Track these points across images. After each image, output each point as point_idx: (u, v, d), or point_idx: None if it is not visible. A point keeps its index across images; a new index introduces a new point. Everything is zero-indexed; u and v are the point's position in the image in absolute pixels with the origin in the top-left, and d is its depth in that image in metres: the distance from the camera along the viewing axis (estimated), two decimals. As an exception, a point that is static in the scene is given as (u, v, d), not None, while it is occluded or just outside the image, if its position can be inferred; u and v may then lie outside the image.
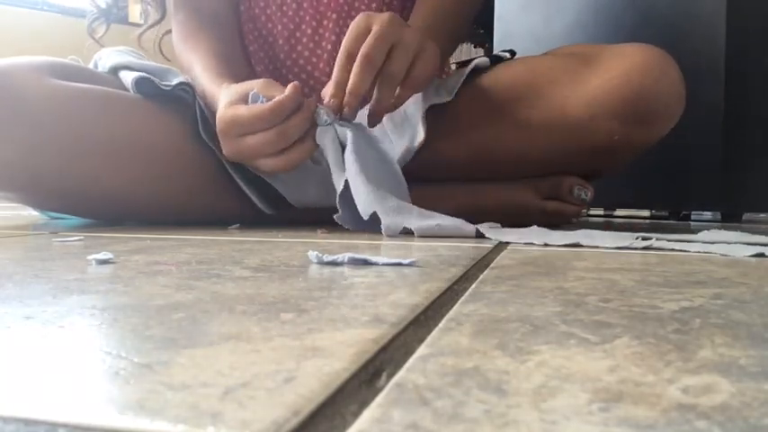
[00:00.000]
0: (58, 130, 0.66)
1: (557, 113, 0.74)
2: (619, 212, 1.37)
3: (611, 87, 0.71)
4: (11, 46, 2.18)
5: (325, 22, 0.87)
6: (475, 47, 1.86)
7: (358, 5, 0.87)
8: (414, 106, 0.79)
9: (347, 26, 0.87)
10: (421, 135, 0.75)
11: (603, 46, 0.78)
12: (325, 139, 0.67)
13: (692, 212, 1.20)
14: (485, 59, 0.82)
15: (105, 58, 0.83)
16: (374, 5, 0.87)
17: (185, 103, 0.74)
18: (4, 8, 2.45)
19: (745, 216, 1.20)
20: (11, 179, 0.69)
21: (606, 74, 0.72)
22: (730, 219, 1.14)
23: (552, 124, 0.74)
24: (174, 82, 0.74)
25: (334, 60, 0.87)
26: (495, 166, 0.79)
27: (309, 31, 0.88)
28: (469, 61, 0.82)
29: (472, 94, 0.78)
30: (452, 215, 0.80)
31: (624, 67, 0.72)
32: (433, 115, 0.77)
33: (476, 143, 0.78)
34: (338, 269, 0.38)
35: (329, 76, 0.88)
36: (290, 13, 0.88)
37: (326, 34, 0.87)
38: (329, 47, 0.87)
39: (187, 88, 0.74)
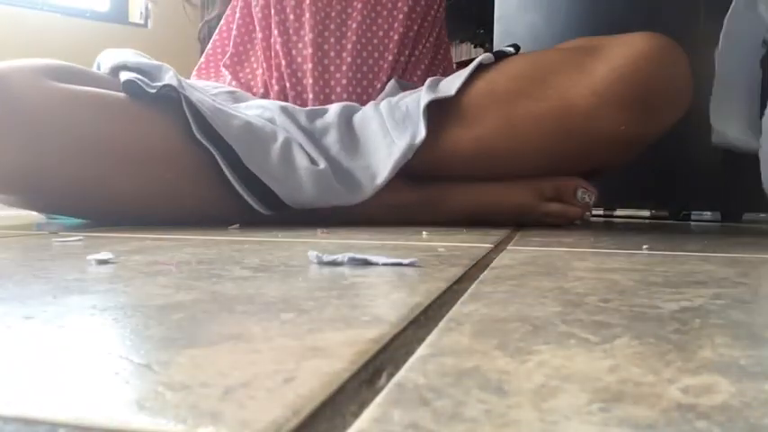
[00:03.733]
0: (55, 133, 0.66)
1: (562, 103, 0.73)
2: (619, 212, 1.37)
3: (618, 76, 0.70)
4: (11, 46, 2.18)
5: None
6: (475, 47, 1.86)
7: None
8: (414, 103, 0.79)
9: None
10: (422, 132, 0.75)
11: (610, 37, 0.76)
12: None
13: (692, 212, 1.20)
14: (489, 55, 0.81)
15: (105, 59, 0.83)
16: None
17: (176, 104, 0.73)
18: (4, 8, 2.45)
19: (745, 216, 1.20)
20: (9, 181, 0.69)
21: (613, 62, 0.71)
22: (730, 219, 1.14)
23: (558, 115, 0.73)
24: (162, 83, 0.73)
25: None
26: (500, 162, 0.78)
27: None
28: (471, 61, 0.82)
29: (477, 89, 0.78)
30: (455, 215, 0.80)
31: (632, 54, 0.70)
32: (437, 112, 0.76)
33: (481, 138, 0.77)
34: (338, 269, 0.38)
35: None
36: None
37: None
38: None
39: (172, 91, 0.72)
